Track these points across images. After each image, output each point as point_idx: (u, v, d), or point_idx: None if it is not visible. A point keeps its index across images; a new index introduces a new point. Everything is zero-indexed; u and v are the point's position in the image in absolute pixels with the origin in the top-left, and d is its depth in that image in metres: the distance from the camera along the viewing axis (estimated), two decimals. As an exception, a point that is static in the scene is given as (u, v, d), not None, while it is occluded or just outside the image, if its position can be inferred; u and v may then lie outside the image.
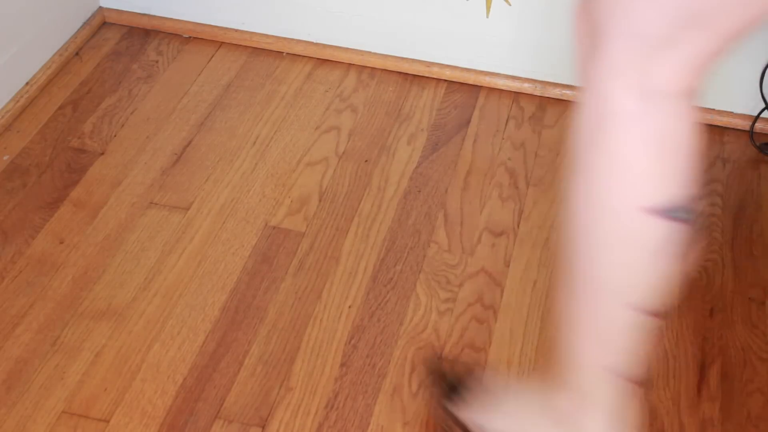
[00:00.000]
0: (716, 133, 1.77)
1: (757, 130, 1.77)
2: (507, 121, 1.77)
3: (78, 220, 1.54)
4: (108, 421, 1.27)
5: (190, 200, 1.58)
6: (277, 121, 1.74)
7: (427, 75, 1.85)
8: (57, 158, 1.64)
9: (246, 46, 1.90)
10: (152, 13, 1.92)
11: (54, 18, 1.82)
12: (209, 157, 1.66)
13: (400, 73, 1.86)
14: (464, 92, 1.83)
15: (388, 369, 1.35)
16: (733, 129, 1.78)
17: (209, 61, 1.87)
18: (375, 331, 1.40)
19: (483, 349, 1.37)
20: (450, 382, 1.25)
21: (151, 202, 1.57)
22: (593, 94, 0.88)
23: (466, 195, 1.62)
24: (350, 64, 1.87)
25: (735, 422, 1.32)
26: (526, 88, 1.82)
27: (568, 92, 1.80)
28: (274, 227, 1.54)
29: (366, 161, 1.67)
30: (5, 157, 1.64)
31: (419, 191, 1.62)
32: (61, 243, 1.50)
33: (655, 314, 0.95)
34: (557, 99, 1.81)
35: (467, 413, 1.19)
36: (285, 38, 1.89)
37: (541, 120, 1.77)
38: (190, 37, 1.92)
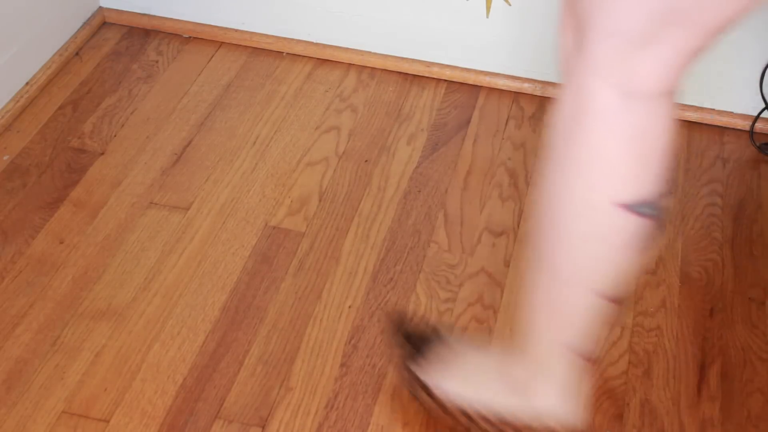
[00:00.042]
0: (716, 133, 1.77)
1: (757, 130, 1.77)
2: (507, 121, 1.77)
3: (78, 220, 1.54)
4: (108, 421, 1.27)
5: (190, 200, 1.58)
6: (277, 121, 1.74)
7: (427, 75, 1.85)
8: (57, 158, 1.64)
9: (246, 46, 1.90)
10: (152, 13, 1.92)
11: (54, 18, 1.82)
12: (209, 157, 1.66)
13: (400, 73, 1.86)
14: (464, 92, 1.83)
15: (388, 369, 1.35)
16: (733, 129, 1.78)
17: (209, 61, 1.87)
18: (375, 331, 1.40)
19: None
20: (415, 343, 1.26)
21: (151, 202, 1.57)
22: (575, 89, 0.90)
23: (466, 195, 1.62)
24: (350, 64, 1.87)
25: (735, 422, 1.32)
26: (526, 88, 1.82)
27: (568, 92, 1.80)
28: (274, 227, 1.54)
29: (366, 161, 1.67)
30: (5, 157, 1.64)
31: (419, 191, 1.62)
32: (61, 243, 1.50)
33: (615, 301, 1.00)
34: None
35: (429, 375, 1.22)
36: (285, 38, 1.89)
37: (541, 120, 1.77)
38: (190, 37, 1.92)
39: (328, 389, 1.32)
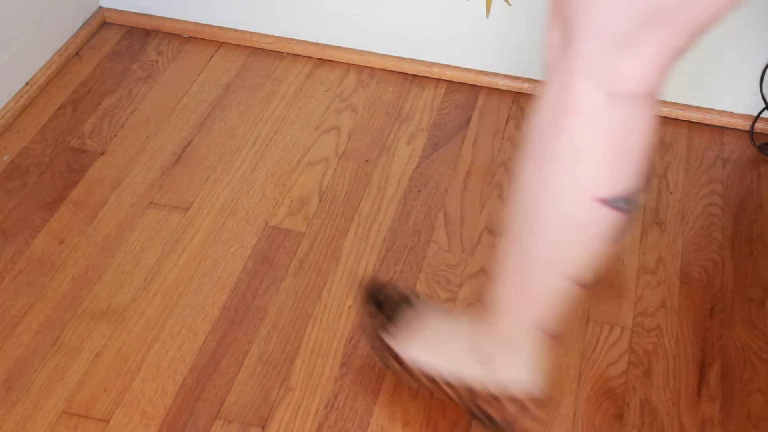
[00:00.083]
0: (716, 133, 1.77)
1: (757, 130, 1.77)
2: (507, 121, 1.77)
3: (78, 220, 1.54)
4: (108, 421, 1.27)
5: (190, 200, 1.58)
6: (277, 121, 1.74)
7: (427, 75, 1.85)
8: (57, 158, 1.64)
9: (246, 46, 1.90)
10: (152, 13, 1.92)
11: (54, 18, 1.82)
12: (209, 157, 1.66)
13: (400, 73, 1.86)
14: (464, 92, 1.83)
15: (388, 369, 1.35)
16: (733, 129, 1.78)
17: (209, 61, 1.87)
18: (375, 331, 1.40)
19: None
20: (386, 312, 1.29)
21: (151, 202, 1.57)
22: (560, 88, 0.92)
23: (466, 195, 1.62)
24: (350, 64, 1.87)
25: (735, 422, 1.32)
26: (526, 88, 1.82)
27: (568, 92, 1.80)
28: (274, 227, 1.54)
29: (366, 161, 1.67)
30: (5, 157, 1.64)
31: (419, 191, 1.62)
32: (61, 243, 1.50)
33: (583, 285, 1.06)
34: (557, 99, 1.81)
35: (400, 344, 1.26)
36: (285, 38, 1.89)
37: (541, 120, 1.77)
38: (190, 37, 1.92)
39: (328, 389, 1.32)
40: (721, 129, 1.78)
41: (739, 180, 1.68)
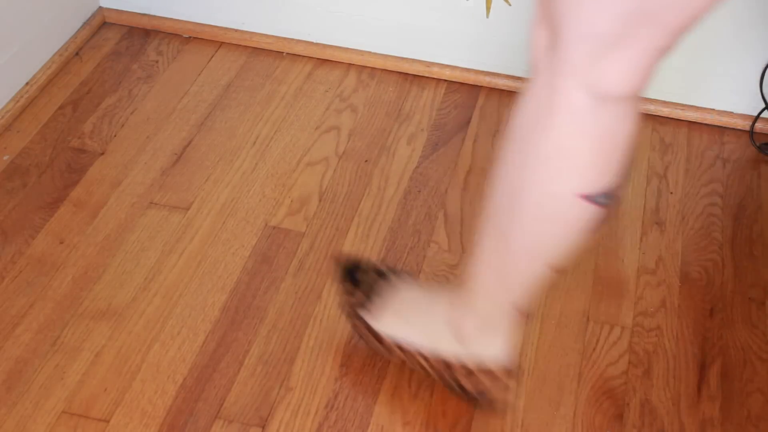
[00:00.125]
0: (716, 133, 1.77)
1: (757, 130, 1.77)
2: (507, 121, 1.77)
3: (78, 220, 1.54)
4: (108, 421, 1.27)
5: (190, 200, 1.58)
6: (277, 121, 1.74)
7: (427, 75, 1.85)
8: (57, 158, 1.64)
9: (246, 46, 1.90)
10: (152, 13, 1.92)
11: (54, 18, 1.82)
12: (209, 157, 1.66)
13: (400, 73, 1.86)
14: (464, 92, 1.83)
15: (388, 369, 1.35)
16: (733, 129, 1.78)
17: (209, 61, 1.87)
18: (375, 331, 1.40)
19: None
20: (363, 289, 1.31)
21: (151, 202, 1.57)
22: (546, 87, 0.93)
23: (466, 195, 1.62)
24: (350, 64, 1.87)
25: (735, 422, 1.32)
26: (526, 88, 1.82)
27: (568, 92, 1.80)
28: (274, 227, 1.54)
29: (366, 161, 1.67)
30: (5, 157, 1.64)
31: (419, 191, 1.62)
32: (61, 243, 1.50)
33: (560, 270, 1.16)
34: (557, 99, 1.81)
35: (378, 321, 1.29)
36: (285, 38, 1.89)
37: (541, 120, 1.77)
38: (190, 37, 1.92)
39: (328, 389, 1.32)
40: (721, 129, 1.78)
41: (739, 180, 1.68)
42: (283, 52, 1.89)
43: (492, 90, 1.83)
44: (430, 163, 1.67)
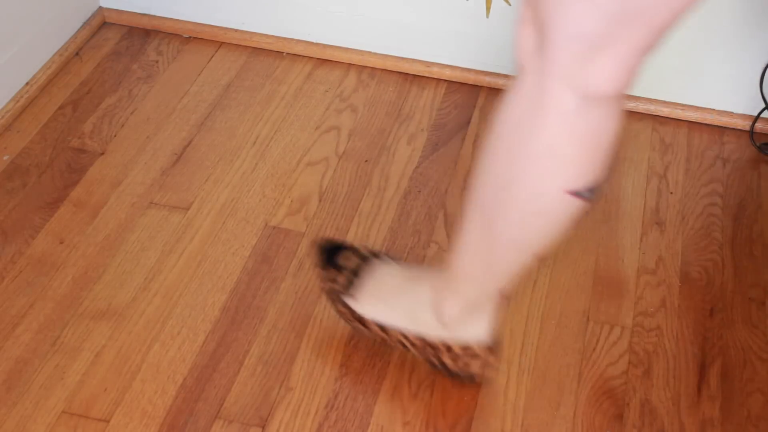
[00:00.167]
0: (716, 133, 1.77)
1: (757, 130, 1.77)
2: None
3: (78, 220, 1.54)
4: (108, 421, 1.27)
5: (190, 200, 1.58)
6: (277, 121, 1.74)
7: (427, 75, 1.85)
8: (57, 158, 1.64)
9: (246, 46, 1.90)
10: (152, 13, 1.92)
11: (54, 18, 1.82)
12: (209, 157, 1.66)
13: (400, 73, 1.86)
14: (464, 92, 1.83)
15: (388, 369, 1.35)
16: (733, 129, 1.78)
17: (209, 61, 1.87)
18: (375, 331, 1.40)
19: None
20: (346, 274, 1.33)
21: (151, 202, 1.57)
22: (535, 88, 0.95)
23: (466, 195, 1.61)
24: (350, 64, 1.87)
25: (735, 422, 1.32)
26: (526, 88, 1.82)
27: (568, 92, 1.80)
28: (274, 227, 1.54)
29: (366, 161, 1.67)
30: (5, 157, 1.64)
31: (419, 191, 1.62)
32: (61, 243, 1.50)
33: (542, 258, 1.22)
34: (557, 99, 1.81)
35: (361, 306, 1.31)
36: (285, 38, 1.89)
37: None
38: (190, 37, 1.92)
39: (328, 389, 1.32)
40: (721, 129, 1.78)
41: (739, 180, 1.68)
42: (283, 52, 1.89)
43: (492, 90, 1.83)
44: (430, 163, 1.67)
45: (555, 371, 1.36)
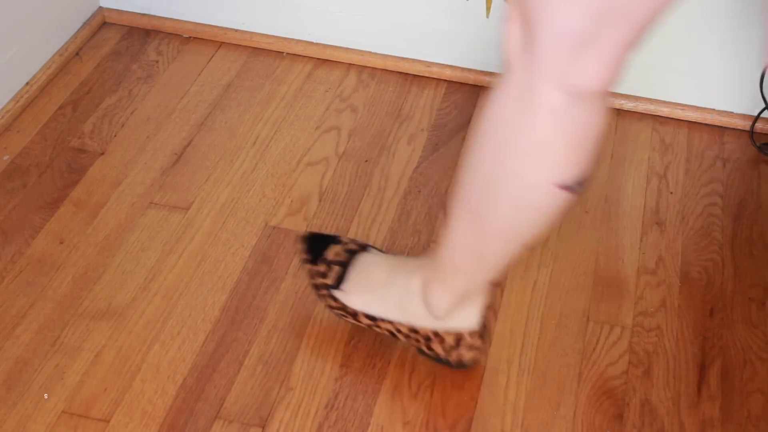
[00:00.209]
0: (716, 133, 1.77)
1: (757, 130, 1.77)
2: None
3: (78, 220, 1.54)
4: (108, 421, 1.27)
5: (190, 200, 1.58)
6: (277, 121, 1.74)
7: (427, 75, 1.85)
8: (57, 158, 1.64)
9: (246, 46, 1.90)
10: (152, 13, 1.92)
11: (54, 18, 1.82)
12: (209, 157, 1.66)
13: (400, 73, 1.86)
14: (464, 92, 1.83)
15: (388, 369, 1.35)
16: (733, 129, 1.78)
17: (209, 61, 1.87)
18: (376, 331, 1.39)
19: (483, 350, 1.37)
20: (336, 269, 1.34)
21: (151, 202, 1.57)
22: (523, 86, 0.97)
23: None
24: (350, 64, 1.87)
25: (735, 422, 1.32)
26: (526, 88, 1.82)
27: (568, 92, 1.80)
28: (274, 227, 1.54)
29: (366, 161, 1.67)
30: (5, 157, 1.64)
31: (419, 191, 1.62)
32: (61, 243, 1.50)
33: (531, 247, 1.24)
34: (557, 99, 1.81)
35: (351, 299, 1.33)
36: (285, 38, 1.89)
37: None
38: (190, 37, 1.92)
39: (328, 389, 1.32)
40: (721, 129, 1.78)
41: (739, 180, 1.68)
42: (283, 52, 1.89)
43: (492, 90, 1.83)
44: (430, 163, 1.67)
45: (555, 371, 1.36)
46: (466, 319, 1.28)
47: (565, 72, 0.93)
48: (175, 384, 1.32)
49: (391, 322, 1.31)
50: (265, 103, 1.78)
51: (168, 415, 1.28)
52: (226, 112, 1.75)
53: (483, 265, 1.18)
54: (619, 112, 1.79)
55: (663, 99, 1.79)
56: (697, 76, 1.76)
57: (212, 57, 1.88)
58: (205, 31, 1.91)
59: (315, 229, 1.54)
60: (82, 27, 1.89)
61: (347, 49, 1.87)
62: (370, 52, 1.86)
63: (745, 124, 1.77)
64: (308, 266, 1.37)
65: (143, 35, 1.91)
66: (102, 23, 1.93)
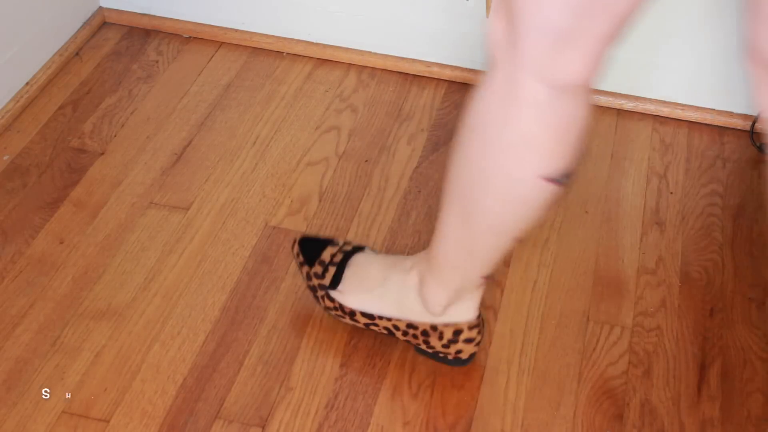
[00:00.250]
0: (716, 133, 1.77)
1: (757, 130, 1.76)
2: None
3: (78, 220, 1.54)
4: (108, 421, 1.27)
5: (190, 200, 1.58)
6: (277, 121, 1.74)
7: (427, 75, 1.85)
8: (57, 158, 1.64)
9: (246, 46, 1.90)
10: (152, 13, 1.92)
11: (54, 18, 1.82)
12: (209, 157, 1.66)
13: (400, 73, 1.86)
14: (464, 92, 1.83)
15: (388, 369, 1.35)
16: (733, 129, 1.78)
17: (209, 61, 1.87)
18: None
19: (483, 349, 1.37)
20: (332, 271, 1.35)
21: (151, 202, 1.57)
22: (507, 81, 0.98)
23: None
24: (350, 64, 1.87)
25: (735, 422, 1.32)
26: (526, 88, 1.82)
27: (568, 92, 1.80)
28: (274, 227, 1.54)
29: (366, 161, 1.67)
30: (5, 157, 1.64)
31: (419, 191, 1.62)
32: (61, 243, 1.50)
33: (521, 240, 1.25)
34: (557, 99, 1.81)
35: (349, 300, 1.34)
36: (285, 38, 1.89)
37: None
38: (190, 37, 1.92)
39: (328, 389, 1.32)
40: (721, 129, 1.78)
41: (739, 180, 1.68)
42: (283, 52, 1.89)
43: (492, 90, 1.83)
44: (430, 163, 1.67)
45: (555, 371, 1.36)
46: (464, 313, 1.29)
47: (547, 66, 0.94)
48: (175, 384, 1.32)
49: (389, 320, 1.32)
50: (265, 103, 1.78)
51: (168, 415, 1.28)
52: (226, 112, 1.75)
53: (475, 260, 1.19)
54: (619, 112, 1.79)
55: (663, 99, 1.79)
56: (696, 76, 1.76)
57: (212, 57, 1.88)
58: (205, 31, 1.91)
59: (315, 230, 1.54)
60: (82, 27, 1.89)
61: (347, 49, 1.87)
62: (370, 52, 1.86)
63: (745, 124, 1.77)
64: (304, 268, 1.37)
65: (143, 35, 1.91)
66: (102, 23, 1.93)
